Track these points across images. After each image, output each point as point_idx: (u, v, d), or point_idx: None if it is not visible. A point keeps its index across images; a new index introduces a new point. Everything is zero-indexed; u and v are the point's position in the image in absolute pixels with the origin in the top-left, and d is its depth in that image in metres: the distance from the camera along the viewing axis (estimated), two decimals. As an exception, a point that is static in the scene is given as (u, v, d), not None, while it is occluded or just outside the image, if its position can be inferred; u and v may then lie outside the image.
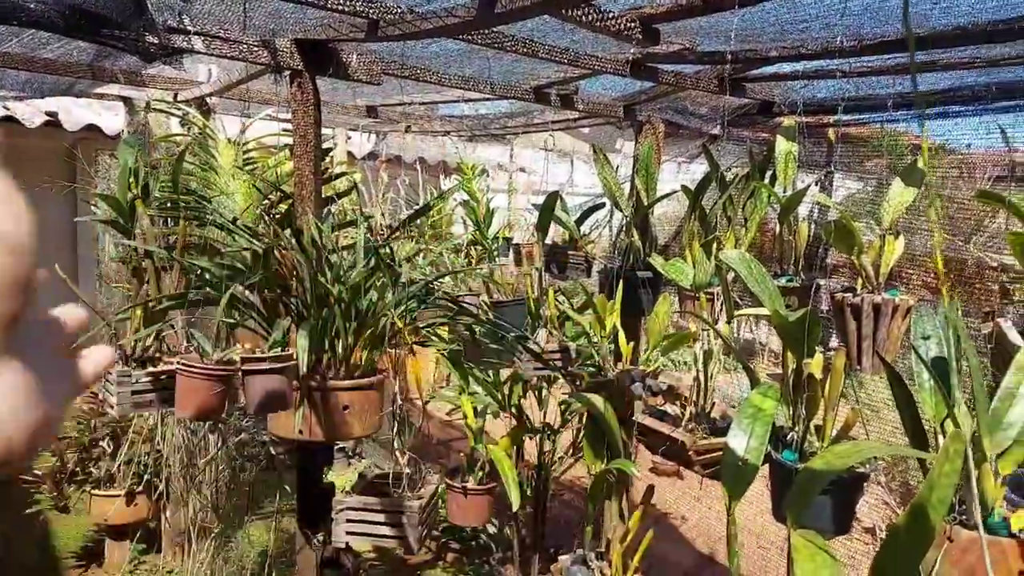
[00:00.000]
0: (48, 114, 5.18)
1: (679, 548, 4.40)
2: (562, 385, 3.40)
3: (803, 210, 2.73)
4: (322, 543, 2.48)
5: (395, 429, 2.48)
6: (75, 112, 5.31)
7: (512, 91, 2.77)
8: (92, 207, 3.96)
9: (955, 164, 2.80)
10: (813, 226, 2.65)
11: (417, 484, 2.45)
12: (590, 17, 1.45)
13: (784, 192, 2.48)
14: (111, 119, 5.36)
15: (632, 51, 2.05)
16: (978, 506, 1.46)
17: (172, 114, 3.48)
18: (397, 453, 2.57)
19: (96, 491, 3.94)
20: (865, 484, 1.91)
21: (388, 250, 2.42)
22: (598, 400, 2.18)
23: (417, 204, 4.02)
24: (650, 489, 2.25)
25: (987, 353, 1.90)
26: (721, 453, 2.27)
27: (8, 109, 5.00)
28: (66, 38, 2.39)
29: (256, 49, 2.28)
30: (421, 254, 3.55)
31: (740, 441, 1.66)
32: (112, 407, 2.16)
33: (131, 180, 2.18)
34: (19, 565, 4.14)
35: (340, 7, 1.74)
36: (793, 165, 2.45)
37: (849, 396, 2.43)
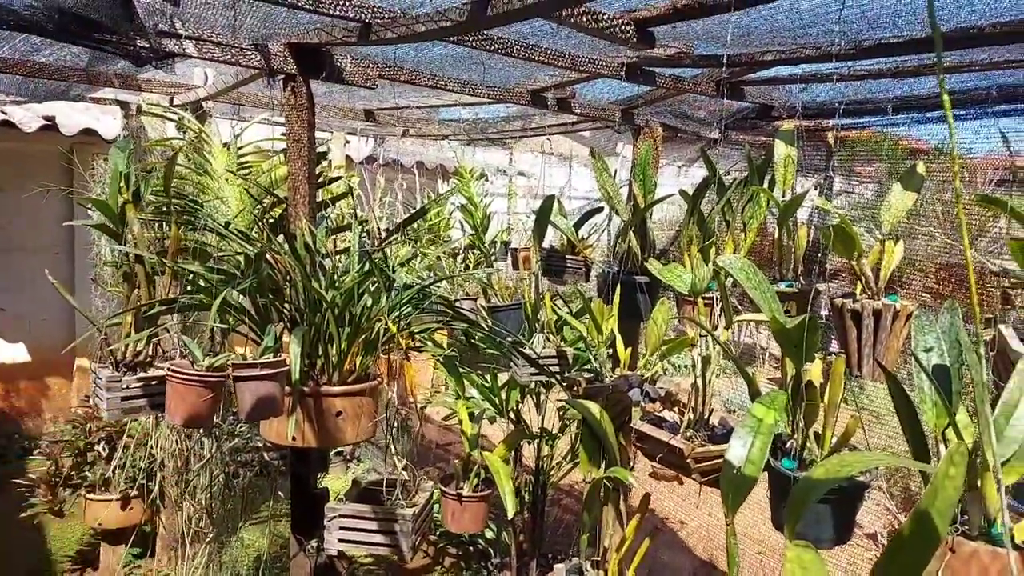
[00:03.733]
0: (45, 118, 5.16)
1: (679, 554, 4.37)
2: (562, 390, 3.38)
3: (802, 214, 2.70)
4: (315, 550, 2.45)
5: (389, 435, 2.46)
6: (72, 116, 5.30)
7: (509, 95, 2.75)
8: (88, 211, 3.94)
9: (954, 168, 2.76)
10: (813, 230, 2.63)
11: (411, 491, 2.42)
12: (583, 20, 1.42)
13: (783, 196, 2.45)
14: (109, 123, 5.35)
15: (628, 54, 2.03)
16: (1006, 518, 1.44)
17: (167, 118, 3.46)
18: (393, 459, 2.55)
19: (91, 495, 3.92)
20: (866, 492, 1.88)
21: (382, 255, 2.40)
22: (593, 407, 2.15)
23: (415, 208, 4.00)
24: (646, 497, 2.23)
25: (988, 360, 1.87)
26: (719, 461, 2.24)
27: (6, 114, 4.98)
28: (59, 43, 2.38)
29: (249, 53, 2.26)
30: (418, 258, 3.53)
31: (740, 453, 1.63)
32: (103, 412, 2.13)
33: (122, 184, 2.16)
34: (14, 569, 4.11)
35: (331, 11, 1.72)
36: (792, 169, 2.42)
37: (850, 402, 2.40)
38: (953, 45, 1.60)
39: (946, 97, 0.71)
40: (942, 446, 1.57)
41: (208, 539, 3.62)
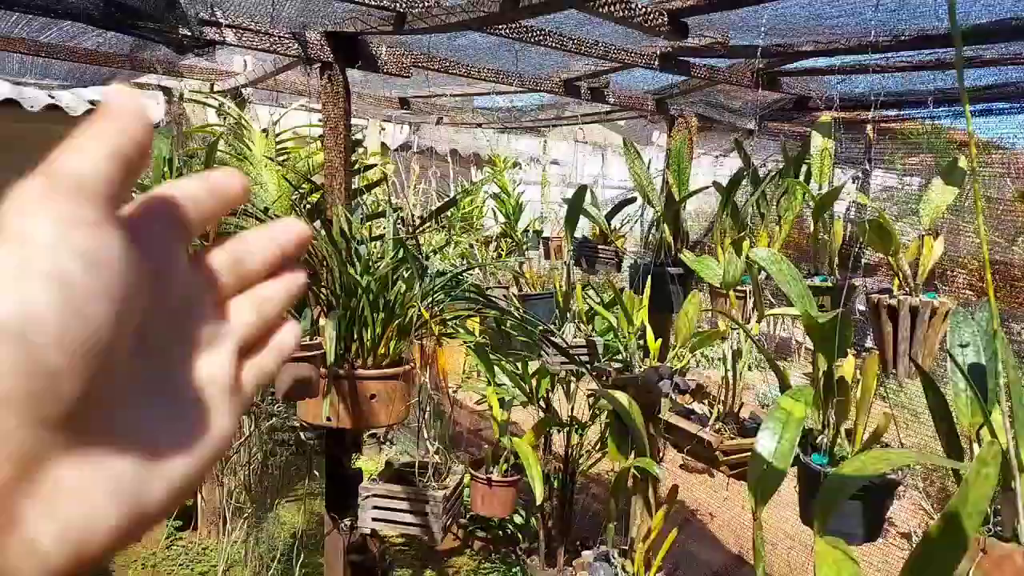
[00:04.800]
0: (91, 103, 5.30)
1: (708, 547, 4.36)
2: (592, 379, 3.38)
3: (839, 207, 2.66)
4: (349, 528, 2.51)
5: (421, 419, 2.50)
6: (118, 101, 5.42)
7: (542, 84, 2.74)
8: (132, 195, 4.05)
9: (1002, 162, 2.69)
10: (849, 225, 2.58)
11: (443, 474, 2.46)
12: (615, 10, 1.42)
13: (819, 189, 2.41)
14: (152, 108, 5.47)
15: (662, 44, 2.01)
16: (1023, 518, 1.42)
17: (208, 104, 3.53)
18: (426, 442, 2.59)
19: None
20: (898, 490, 1.86)
21: (415, 242, 2.43)
22: (623, 397, 2.16)
23: (448, 195, 4.02)
24: (674, 488, 2.23)
25: (1028, 359, 1.83)
26: (748, 454, 2.23)
27: (53, 97, 5.13)
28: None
29: (287, 41, 2.30)
30: (451, 246, 3.56)
31: (768, 445, 1.63)
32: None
33: (165, 170, 2.22)
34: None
35: (367, 0, 1.74)
36: (829, 161, 2.38)
37: (887, 399, 2.37)
38: (999, 37, 1.56)
39: (961, 75, 0.70)
40: (976, 445, 1.55)
41: (247, 514, 3.73)
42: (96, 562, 0.26)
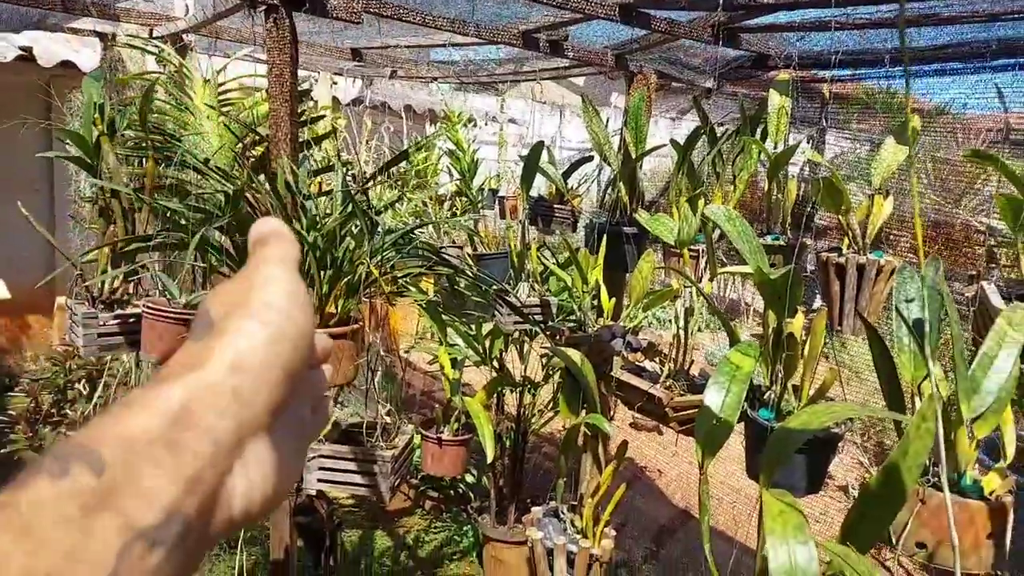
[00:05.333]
0: (22, 49, 4.98)
1: (656, 502, 4.46)
2: (546, 339, 3.38)
3: (793, 168, 2.67)
4: (295, 489, 2.47)
5: (370, 379, 2.45)
6: (50, 48, 5.12)
7: (499, 35, 2.66)
8: (66, 146, 3.84)
9: (951, 126, 2.74)
10: (803, 184, 2.60)
11: (392, 434, 2.43)
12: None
13: (775, 149, 2.42)
14: (88, 55, 5.17)
15: (622, -7, 1.96)
16: (944, 468, 1.46)
17: (146, 51, 3.34)
18: (376, 404, 2.55)
19: (72, 433, 3.93)
20: (839, 444, 1.90)
21: (365, 197, 2.36)
22: (575, 355, 2.15)
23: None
24: (623, 444, 2.25)
25: (970, 316, 1.88)
26: (697, 410, 2.26)
27: (-21, 41, 4.81)
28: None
29: (229, -20, 2.17)
30: (403, 202, 3.48)
31: (716, 399, 1.64)
32: (80, 348, 2.11)
33: (96, 116, 2.09)
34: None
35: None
36: (785, 121, 2.38)
37: (831, 356, 2.42)
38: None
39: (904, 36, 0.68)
40: (917, 399, 1.58)
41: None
42: (255, 520, 0.36)
